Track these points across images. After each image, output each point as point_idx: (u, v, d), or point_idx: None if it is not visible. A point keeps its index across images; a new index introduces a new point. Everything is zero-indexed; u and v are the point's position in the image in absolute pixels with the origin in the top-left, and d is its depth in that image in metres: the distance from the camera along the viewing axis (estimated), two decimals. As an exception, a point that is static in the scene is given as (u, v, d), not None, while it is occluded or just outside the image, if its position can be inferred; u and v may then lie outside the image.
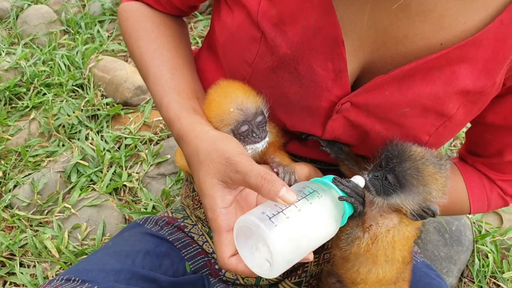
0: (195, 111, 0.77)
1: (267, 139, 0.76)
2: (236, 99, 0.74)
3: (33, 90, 2.02)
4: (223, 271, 1.01)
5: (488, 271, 1.48)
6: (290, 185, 0.75)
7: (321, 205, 0.66)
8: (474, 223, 1.58)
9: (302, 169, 0.78)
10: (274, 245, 0.59)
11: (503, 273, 1.48)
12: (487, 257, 1.51)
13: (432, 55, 0.67)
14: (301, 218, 0.63)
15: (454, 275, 1.47)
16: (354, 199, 0.70)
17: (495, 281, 1.49)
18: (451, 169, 0.92)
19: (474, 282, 1.49)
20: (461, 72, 0.68)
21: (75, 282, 0.89)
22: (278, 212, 0.62)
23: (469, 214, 0.95)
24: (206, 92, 0.80)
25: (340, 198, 0.69)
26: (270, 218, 0.61)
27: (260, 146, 0.76)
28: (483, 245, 1.53)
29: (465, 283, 1.50)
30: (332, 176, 0.71)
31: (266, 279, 0.99)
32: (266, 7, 0.69)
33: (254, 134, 0.75)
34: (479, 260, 1.51)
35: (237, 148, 0.68)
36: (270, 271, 0.62)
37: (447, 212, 0.97)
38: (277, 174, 0.75)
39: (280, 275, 0.99)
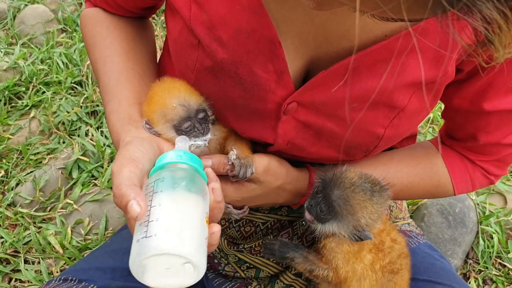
0: (130, 119, 0.75)
1: (209, 135, 0.75)
2: (179, 95, 0.74)
3: (32, 89, 2.03)
4: (222, 265, 1.00)
5: (493, 252, 1.47)
6: (246, 178, 0.75)
7: (173, 183, 0.61)
8: (478, 204, 1.57)
9: (262, 160, 0.77)
10: (170, 249, 0.54)
11: (509, 253, 1.47)
12: (492, 238, 1.50)
13: (373, 46, 0.65)
14: (166, 209, 0.58)
15: (459, 257, 1.46)
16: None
17: (500, 261, 1.48)
18: (431, 153, 0.93)
19: (479, 263, 1.48)
20: (410, 64, 0.66)
21: (73, 282, 0.89)
22: (146, 226, 0.56)
23: (454, 195, 0.94)
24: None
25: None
26: (146, 237, 0.55)
27: (202, 142, 0.75)
28: (488, 226, 1.52)
29: (470, 264, 1.49)
30: (164, 155, 0.66)
31: (266, 272, 0.99)
32: (197, 13, 0.68)
33: (196, 129, 0.74)
34: (484, 241, 1.50)
35: (123, 155, 0.63)
36: (197, 270, 0.57)
37: (431, 195, 0.97)
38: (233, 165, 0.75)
39: (281, 266, 0.98)
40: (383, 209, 0.74)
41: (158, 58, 0.96)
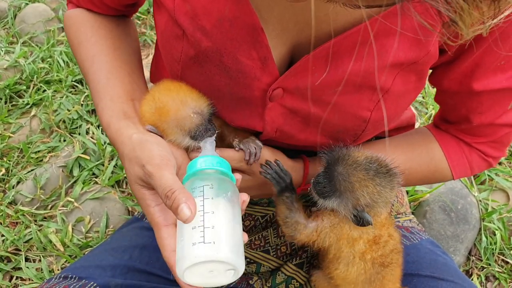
0: (125, 115, 0.77)
1: (216, 129, 0.77)
2: (192, 104, 0.74)
3: (33, 87, 2.03)
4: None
5: (496, 249, 1.46)
6: (259, 158, 0.78)
7: (219, 191, 0.66)
8: (480, 201, 1.56)
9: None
10: (227, 258, 0.60)
11: (511, 249, 1.46)
12: (495, 235, 1.49)
13: (353, 29, 0.65)
14: (219, 217, 0.63)
15: (462, 254, 1.45)
16: (275, 181, 0.75)
17: (503, 258, 1.47)
18: (427, 138, 0.93)
19: (482, 260, 1.47)
20: (391, 45, 0.66)
21: (73, 280, 0.89)
22: (202, 231, 0.62)
23: (453, 179, 0.94)
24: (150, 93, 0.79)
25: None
26: (204, 242, 0.61)
27: (213, 138, 0.76)
28: (490, 222, 1.51)
29: (472, 261, 1.49)
30: (196, 160, 0.70)
31: (267, 266, 0.98)
32: (180, 3, 0.69)
33: (208, 131, 0.75)
34: (487, 237, 1.49)
35: (151, 154, 0.68)
36: (236, 274, 0.63)
37: (429, 180, 0.96)
38: (243, 151, 0.78)
39: (281, 260, 0.98)
40: (390, 194, 0.72)
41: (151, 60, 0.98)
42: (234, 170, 0.78)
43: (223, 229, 0.62)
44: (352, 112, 0.74)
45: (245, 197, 0.71)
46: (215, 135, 0.76)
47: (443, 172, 0.91)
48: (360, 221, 0.72)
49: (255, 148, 0.77)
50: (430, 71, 0.82)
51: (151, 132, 0.74)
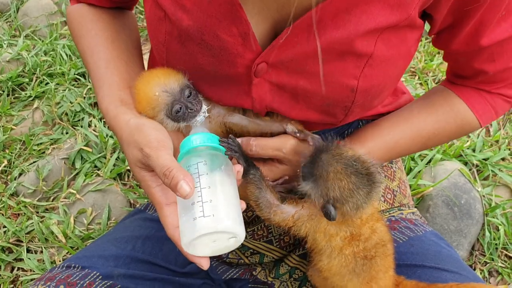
0: (122, 102, 0.80)
1: (204, 108, 0.78)
2: (158, 82, 0.76)
3: (36, 80, 2.03)
4: (226, 253, 0.99)
5: (499, 244, 1.46)
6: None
7: (213, 166, 0.70)
8: (483, 196, 1.55)
9: (289, 140, 0.81)
10: (227, 227, 0.64)
11: (515, 244, 1.45)
12: (498, 230, 1.49)
13: None
14: (216, 190, 0.67)
15: (465, 248, 1.45)
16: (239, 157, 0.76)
17: (506, 253, 1.46)
18: (447, 95, 0.93)
19: (485, 255, 1.46)
20: (372, 11, 0.66)
21: (75, 269, 0.89)
22: (201, 206, 0.65)
23: (481, 127, 0.94)
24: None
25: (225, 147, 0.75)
26: (204, 216, 0.65)
27: (201, 117, 0.77)
28: (494, 217, 1.50)
29: (476, 256, 1.48)
30: (187, 139, 0.72)
31: (270, 257, 0.98)
32: None
33: (189, 110, 0.76)
34: (490, 232, 1.48)
35: (149, 138, 0.71)
36: (238, 240, 0.67)
37: (459, 134, 0.96)
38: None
39: (285, 250, 0.97)
40: (363, 198, 0.71)
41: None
42: (267, 158, 0.83)
43: (220, 202, 0.66)
44: (339, 81, 0.74)
45: (239, 168, 0.74)
46: (204, 112, 0.77)
47: (471, 123, 0.92)
48: (325, 211, 0.71)
49: (314, 138, 0.80)
50: (423, 41, 0.83)
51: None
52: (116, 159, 1.69)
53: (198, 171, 0.69)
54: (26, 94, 1.95)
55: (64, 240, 1.46)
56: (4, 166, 1.70)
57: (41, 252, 1.46)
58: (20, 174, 1.67)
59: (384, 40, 0.71)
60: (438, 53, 2.12)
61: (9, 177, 1.67)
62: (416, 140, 0.91)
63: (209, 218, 0.64)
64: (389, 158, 0.93)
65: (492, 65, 0.83)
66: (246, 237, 0.96)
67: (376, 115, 0.99)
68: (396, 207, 1.03)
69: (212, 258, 1.00)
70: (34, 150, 1.74)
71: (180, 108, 0.75)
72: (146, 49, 2.22)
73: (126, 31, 0.94)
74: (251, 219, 0.99)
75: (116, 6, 0.96)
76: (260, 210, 0.78)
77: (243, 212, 0.95)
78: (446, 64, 0.96)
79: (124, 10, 0.99)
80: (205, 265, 0.70)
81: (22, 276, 1.42)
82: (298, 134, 0.81)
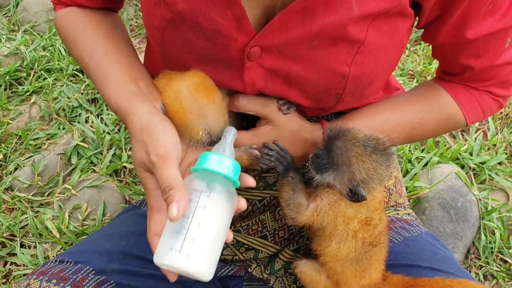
0: (133, 94, 0.78)
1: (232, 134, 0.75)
2: (207, 119, 0.72)
3: (34, 75, 2.02)
4: None
5: (495, 247, 1.45)
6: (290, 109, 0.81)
7: (213, 201, 0.67)
8: (480, 200, 1.55)
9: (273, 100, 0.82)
10: (195, 272, 0.64)
11: (510, 248, 1.45)
12: (494, 234, 1.48)
13: None
14: (204, 229, 0.66)
15: (460, 251, 1.45)
16: (279, 162, 0.77)
17: (502, 256, 1.46)
18: (434, 88, 0.93)
19: (480, 259, 1.46)
20: None
21: (69, 264, 0.88)
22: (183, 240, 0.64)
23: (467, 125, 0.94)
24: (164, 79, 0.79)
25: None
26: (179, 251, 0.64)
27: (234, 130, 0.76)
28: (490, 221, 1.50)
29: (471, 259, 1.48)
30: (207, 154, 0.70)
31: (265, 252, 0.97)
32: None
33: (212, 144, 0.75)
34: (486, 236, 1.48)
35: (157, 143, 0.69)
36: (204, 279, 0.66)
37: (444, 129, 0.96)
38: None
39: (279, 245, 0.97)
40: (385, 172, 0.74)
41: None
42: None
43: (203, 245, 0.65)
44: (331, 67, 0.74)
45: (243, 204, 0.72)
46: (233, 131, 0.75)
47: (456, 118, 0.92)
48: (355, 196, 0.73)
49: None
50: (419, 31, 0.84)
51: (163, 111, 0.75)
52: (112, 155, 1.68)
53: (198, 201, 0.67)
54: (23, 88, 1.95)
55: (58, 236, 1.45)
56: (0, 160, 1.69)
57: (35, 247, 1.46)
58: (15, 169, 1.66)
59: (376, 27, 0.72)
60: (437, 56, 2.12)
61: (4, 172, 1.66)
62: (400, 128, 0.91)
63: (183, 257, 0.63)
64: None
65: (478, 61, 0.84)
66: (240, 232, 0.96)
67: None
68: (392, 206, 1.03)
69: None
70: (30, 145, 1.74)
71: (211, 142, 0.75)
72: (143, 46, 2.22)
73: (119, 28, 0.94)
74: (246, 214, 0.99)
75: (105, 6, 0.97)
76: (289, 210, 0.79)
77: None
78: (443, 68, 0.96)
79: (111, 12, 0.99)
80: (171, 278, 0.71)
81: (15, 271, 1.41)
82: (283, 106, 0.82)
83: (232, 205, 0.70)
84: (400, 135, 0.91)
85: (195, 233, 0.65)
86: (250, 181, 0.74)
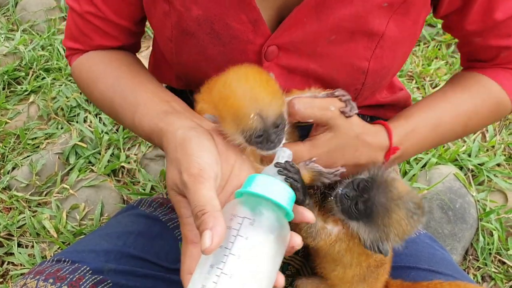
0: (166, 113, 0.71)
1: (281, 144, 0.66)
2: (261, 101, 0.62)
3: (32, 74, 2.02)
4: None
5: (493, 249, 1.45)
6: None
7: (258, 232, 0.54)
8: (478, 201, 1.55)
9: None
10: None
11: (508, 250, 1.45)
12: (492, 235, 1.48)
13: None
14: (244, 265, 0.53)
15: (459, 253, 1.45)
16: (299, 189, 0.63)
17: (500, 258, 1.46)
18: (474, 75, 0.87)
19: (478, 260, 1.46)
20: None
21: (65, 263, 0.88)
22: (218, 276, 0.51)
23: (510, 110, 0.88)
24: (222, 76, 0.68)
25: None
26: None
27: (272, 152, 0.66)
28: (488, 222, 1.50)
29: (469, 261, 1.48)
30: (256, 176, 0.58)
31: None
32: None
33: (268, 142, 0.65)
34: (484, 237, 1.48)
35: (191, 161, 0.60)
36: None
37: (494, 116, 0.90)
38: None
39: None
40: (412, 231, 0.70)
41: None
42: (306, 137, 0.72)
43: (242, 283, 0.52)
44: (350, 62, 0.73)
45: (297, 241, 0.58)
46: (274, 150, 0.65)
47: (504, 102, 0.86)
48: (377, 250, 0.69)
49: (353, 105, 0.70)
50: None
51: (209, 120, 0.67)
52: (110, 155, 1.68)
53: (239, 230, 0.54)
54: (22, 88, 1.94)
55: (55, 235, 1.45)
56: (-2, 160, 1.69)
57: (32, 246, 1.45)
58: (13, 168, 1.66)
59: (396, 20, 0.70)
60: (436, 57, 2.13)
61: (2, 171, 1.66)
62: (457, 119, 0.84)
63: None
64: (434, 139, 0.85)
65: (510, 40, 0.81)
66: None
67: (375, 105, 0.98)
68: (426, 203, 1.02)
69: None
70: (29, 144, 1.73)
71: (261, 136, 0.64)
72: (143, 46, 2.22)
73: (141, 65, 0.91)
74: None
75: (127, 43, 0.92)
76: (309, 238, 0.72)
77: None
78: (443, 69, 0.95)
79: (131, 54, 0.95)
80: None
81: (12, 270, 1.41)
82: (345, 97, 0.71)
83: (282, 240, 0.56)
84: (458, 126, 0.85)
85: (235, 268, 0.52)
86: (309, 216, 0.61)
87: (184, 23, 0.72)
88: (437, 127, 0.83)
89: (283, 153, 0.63)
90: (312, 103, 0.69)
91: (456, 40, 0.92)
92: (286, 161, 0.62)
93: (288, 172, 0.61)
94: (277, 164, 0.61)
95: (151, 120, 0.71)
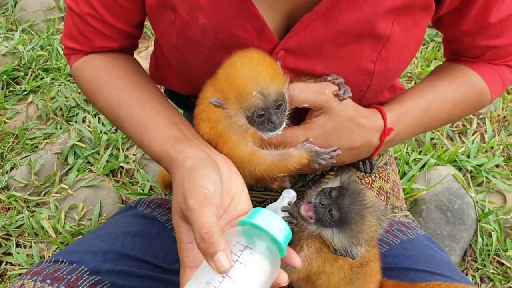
0: (177, 140, 0.73)
1: (283, 126, 0.68)
2: (262, 80, 0.65)
3: (31, 74, 2.02)
4: None
5: (491, 250, 1.45)
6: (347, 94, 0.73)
7: (256, 261, 0.58)
8: (477, 202, 1.55)
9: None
10: None
11: (507, 251, 1.45)
12: (490, 236, 1.48)
13: None
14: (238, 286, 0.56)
15: (457, 254, 1.45)
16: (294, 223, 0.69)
17: (498, 259, 1.46)
18: (460, 67, 0.92)
19: (477, 261, 1.46)
20: None
21: (63, 264, 0.87)
22: None
23: (491, 101, 0.94)
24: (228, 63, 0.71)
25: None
26: None
27: (273, 134, 0.68)
28: (487, 223, 1.50)
29: (468, 262, 1.48)
30: (260, 209, 0.62)
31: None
32: None
33: (270, 123, 0.67)
34: (483, 238, 1.48)
35: (196, 188, 0.63)
36: None
37: (476, 106, 0.94)
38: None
39: None
40: (377, 235, 0.75)
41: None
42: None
43: None
44: (356, 64, 0.74)
45: (284, 278, 0.62)
46: (277, 132, 0.68)
47: (486, 93, 0.92)
48: (347, 255, 0.72)
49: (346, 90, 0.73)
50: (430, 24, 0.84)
51: (214, 105, 0.68)
52: (109, 155, 1.68)
53: (240, 256, 0.57)
54: (21, 88, 1.94)
55: (54, 235, 1.45)
56: (-4, 160, 1.69)
57: (31, 246, 1.45)
58: (12, 168, 1.65)
59: (400, 22, 0.72)
60: (435, 59, 2.13)
61: (0, 171, 1.66)
62: (444, 106, 0.89)
63: None
64: (424, 123, 0.89)
65: (498, 40, 0.85)
66: None
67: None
68: (389, 209, 1.03)
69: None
70: (27, 144, 1.73)
71: (263, 116, 0.66)
72: (143, 47, 2.22)
73: (142, 70, 0.91)
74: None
75: (126, 44, 0.92)
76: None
77: None
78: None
79: (129, 55, 0.96)
80: None
81: (10, 270, 1.40)
82: (337, 80, 0.73)
83: (272, 274, 0.60)
84: (444, 113, 0.90)
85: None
86: (296, 261, 0.63)
87: (190, 31, 0.72)
88: (426, 112, 0.87)
89: (288, 194, 0.67)
90: (306, 87, 0.72)
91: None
92: (289, 203, 0.68)
93: (291, 217, 0.67)
94: (284, 208, 0.67)
95: (162, 145, 0.73)
